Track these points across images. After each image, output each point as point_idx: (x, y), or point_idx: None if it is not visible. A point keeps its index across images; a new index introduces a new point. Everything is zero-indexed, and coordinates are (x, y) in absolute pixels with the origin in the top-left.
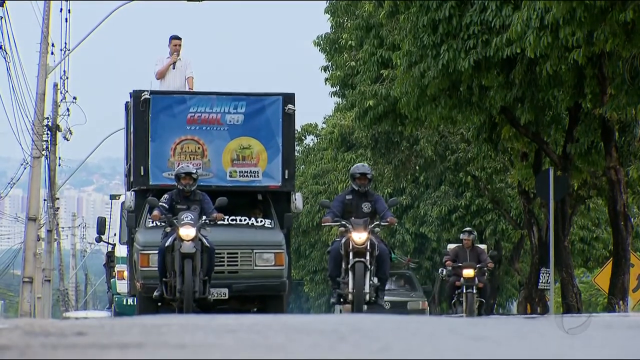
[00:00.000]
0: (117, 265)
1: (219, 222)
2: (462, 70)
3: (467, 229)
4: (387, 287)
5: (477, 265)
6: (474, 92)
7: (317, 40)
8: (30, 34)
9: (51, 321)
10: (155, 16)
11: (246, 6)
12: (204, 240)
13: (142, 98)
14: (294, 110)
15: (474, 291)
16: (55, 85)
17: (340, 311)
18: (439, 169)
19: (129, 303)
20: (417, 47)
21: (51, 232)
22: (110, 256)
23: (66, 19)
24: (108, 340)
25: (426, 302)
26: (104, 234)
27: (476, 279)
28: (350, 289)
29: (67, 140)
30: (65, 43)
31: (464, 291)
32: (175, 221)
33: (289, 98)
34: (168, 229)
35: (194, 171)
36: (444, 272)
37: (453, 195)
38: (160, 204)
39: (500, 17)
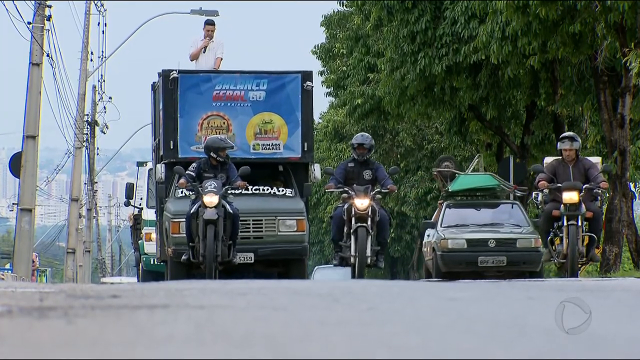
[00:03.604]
0: (144, 228)
1: (244, 192)
2: (436, 74)
3: (569, 133)
4: (489, 221)
5: (584, 186)
6: (446, 92)
7: (314, 49)
8: (72, 43)
9: (90, 286)
10: (178, 24)
11: (258, 19)
12: (227, 206)
13: (171, 77)
14: (312, 86)
15: (579, 223)
16: (94, 87)
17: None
18: (416, 157)
19: (155, 263)
20: (398, 55)
21: (90, 210)
22: (137, 219)
23: (103, 31)
24: (138, 302)
25: (539, 240)
26: (132, 198)
27: (582, 205)
28: (352, 252)
29: (104, 133)
30: (102, 51)
31: (565, 224)
32: (200, 189)
33: (307, 75)
34: (193, 197)
35: (232, 145)
36: (539, 197)
37: (428, 179)
38: (187, 172)
39: (468, 29)
